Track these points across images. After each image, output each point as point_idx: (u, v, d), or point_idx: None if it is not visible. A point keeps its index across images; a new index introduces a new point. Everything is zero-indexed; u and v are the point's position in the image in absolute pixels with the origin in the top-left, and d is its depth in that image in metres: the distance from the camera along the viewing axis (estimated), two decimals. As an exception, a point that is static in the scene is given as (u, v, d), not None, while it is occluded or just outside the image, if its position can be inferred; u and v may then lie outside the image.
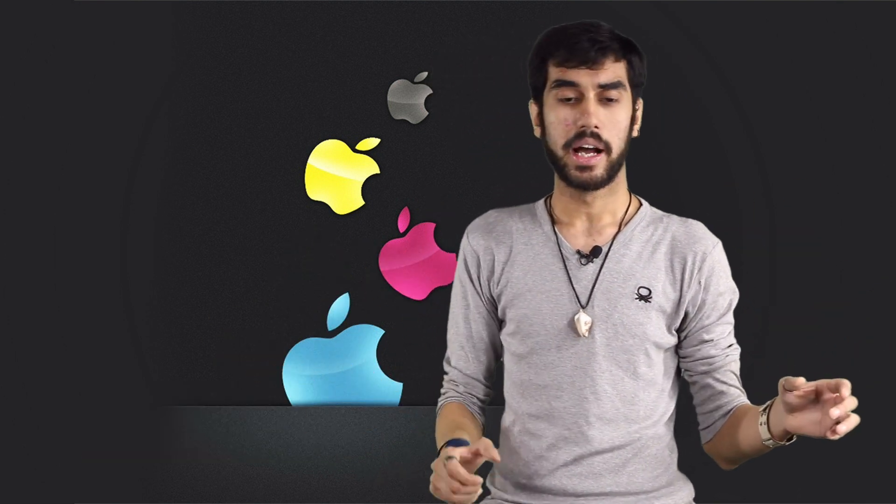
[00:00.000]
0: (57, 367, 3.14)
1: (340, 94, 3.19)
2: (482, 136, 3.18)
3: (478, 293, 1.96)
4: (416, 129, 3.20)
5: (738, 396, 1.88)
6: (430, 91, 3.19)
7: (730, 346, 1.90)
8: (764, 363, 3.02)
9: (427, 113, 3.19)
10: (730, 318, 1.91)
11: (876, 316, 3.07)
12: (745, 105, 3.10)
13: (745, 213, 3.10)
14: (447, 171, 3.20)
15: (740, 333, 1.94)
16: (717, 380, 1.88)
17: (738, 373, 1.91)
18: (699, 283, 1.88)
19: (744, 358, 1.93)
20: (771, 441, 1.73)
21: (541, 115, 1.89)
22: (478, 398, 2.00)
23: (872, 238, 3.07)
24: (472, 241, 1.97)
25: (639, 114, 1.90)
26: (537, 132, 1.91)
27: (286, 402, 3.18)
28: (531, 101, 1.92)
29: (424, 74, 3.19)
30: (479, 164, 3.19)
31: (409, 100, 3.19)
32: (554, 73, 1.85)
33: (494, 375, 2.01)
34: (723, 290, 1.89)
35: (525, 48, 1.92)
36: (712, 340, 1.88)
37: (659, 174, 2.96)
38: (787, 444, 1.74)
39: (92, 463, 3.13)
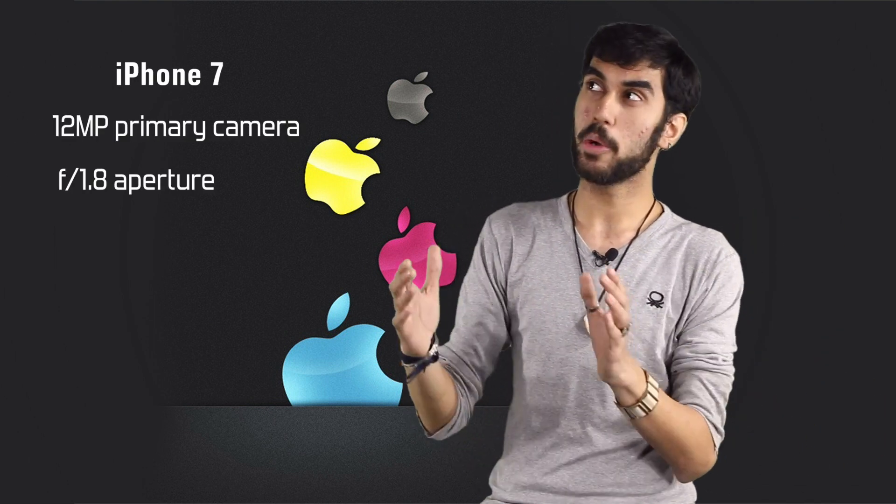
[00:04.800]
0: (57, 367, 3.14)
1: (340, 94, 3.19)
2: (482, 136, 3.18)
3: (489, 278, 1.93)
4: (416, 129, 3.20)
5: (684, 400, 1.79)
6: (430, 91, 3.19)
7: (710, 355, 1.81)
8: (763, 364, 3.03)
9: (427, 113, 3.19)
10: (721, 330, 1.83)
11: (876, 316, 3.07)
12: (745, 105, 3.10)
13: (744, 214, 3.10)
14: (447, 171, 3.20)
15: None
16: (674, 382, 1.82)
17: (709, 388, 1.79)
18: (706, 290, 1.85)
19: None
20: (624, 408, 1.71)
21: None
22: (461, 375, 1.90)
23: (873, 238, 3.07)
24: (495, 229, 1.94)
25: (676, 126, 1.89)
26: None
27: (286, 402, 3.18)
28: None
29: (424, 74, 3.19)
30: (479, 164, 3.19)
31: (409, 100, 3.19)
32: (591, 63, 1.83)
33: (485, 371, 1.93)
34: (722, 300, 1.84)
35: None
36: (690, 342, 1.82)
37: (659, 174, 2.95)
38: (642, 406, 1.70)
39: (92, 463, 3.13)
